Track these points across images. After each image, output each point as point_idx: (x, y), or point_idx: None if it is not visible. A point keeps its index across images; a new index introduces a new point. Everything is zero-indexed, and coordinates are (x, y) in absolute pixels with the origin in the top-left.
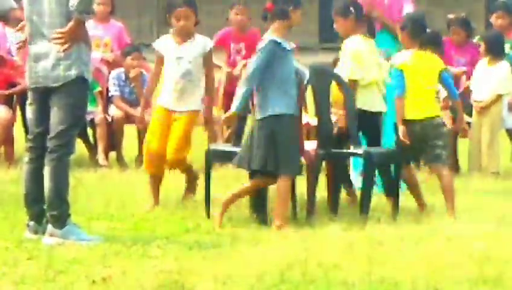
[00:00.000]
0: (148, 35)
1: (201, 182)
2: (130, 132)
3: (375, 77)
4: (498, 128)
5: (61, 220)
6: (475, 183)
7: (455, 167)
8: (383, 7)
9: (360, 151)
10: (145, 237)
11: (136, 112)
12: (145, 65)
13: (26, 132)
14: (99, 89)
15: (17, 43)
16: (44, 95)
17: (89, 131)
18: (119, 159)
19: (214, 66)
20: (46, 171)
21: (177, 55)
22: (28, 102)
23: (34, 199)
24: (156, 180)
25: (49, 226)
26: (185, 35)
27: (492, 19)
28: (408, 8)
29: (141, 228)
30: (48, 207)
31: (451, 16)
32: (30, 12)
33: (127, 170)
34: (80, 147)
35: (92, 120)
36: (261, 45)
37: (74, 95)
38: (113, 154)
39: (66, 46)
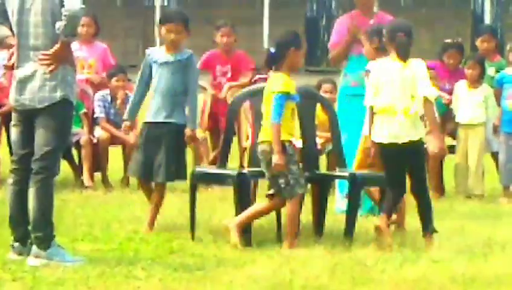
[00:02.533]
0: (134, 57)
1: (186, 204)
2: (115, 153)
3: None
4: (484, 151)
5: (46, 241)
6: (460, 206)
7: (440, 189)
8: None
9: (345, 173)
10: (129, 259)
11: (122, 133)
12: (130, 86)
13: (11, 152)
14: (84, 110)
15: (4, 66)
16: (29, 117)
17: (74, 152)
18: (104, 180)
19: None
20: (31, 193)
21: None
22: (12, 124)
23: (18, 220)
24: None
25: (34, 248)
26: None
27: (478, 43)
28: None
29: (126, 249)
30: (32, 228)
31: (448, 40)
32: (17, 35)
33: (112, 191)
34: (64, 168)
35: (77, 141)
36: None
37: (59, 116)
38: (98, 176)
39: (51, 67)
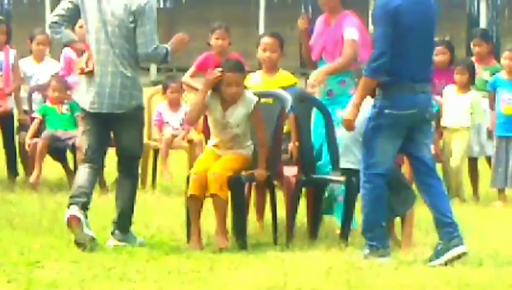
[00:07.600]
0: None
1: (181, 206)
2: (110, 155)
3: None
4: (466, 155)
5: (126, 228)
6: (454, 210)
7: None
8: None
9: (341, 178)
10: (124, 260)
11: None
12: None
13: (6, 153)
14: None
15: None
16: (104, 121)
17: (69, 155)
18: (100, 182)
19: (261, 122)
20: (119, 192)
21: (223, 120)
22: (82, 130)
23: (84, 191)
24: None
25: (117, 232)
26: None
27: (472, 46)
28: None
29: (120, 251)
30: (118, 218)
31: (435, 39)
32: (96, 41)
33: (108, 193)
34: (60, 170)
35: (73, 144)
36: None
37: (137, 122)
38: None
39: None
